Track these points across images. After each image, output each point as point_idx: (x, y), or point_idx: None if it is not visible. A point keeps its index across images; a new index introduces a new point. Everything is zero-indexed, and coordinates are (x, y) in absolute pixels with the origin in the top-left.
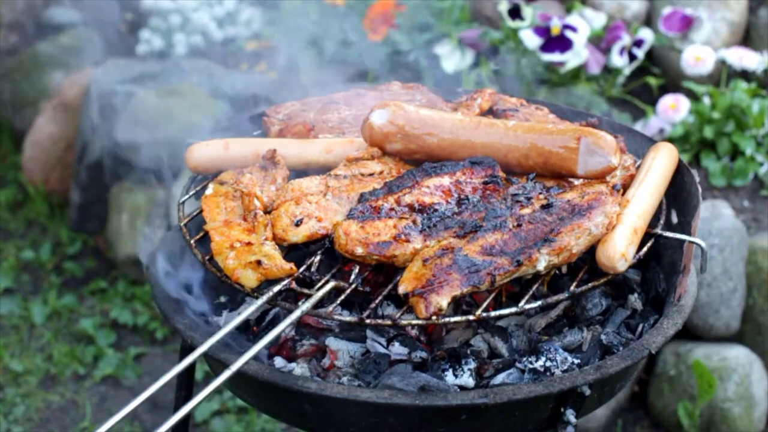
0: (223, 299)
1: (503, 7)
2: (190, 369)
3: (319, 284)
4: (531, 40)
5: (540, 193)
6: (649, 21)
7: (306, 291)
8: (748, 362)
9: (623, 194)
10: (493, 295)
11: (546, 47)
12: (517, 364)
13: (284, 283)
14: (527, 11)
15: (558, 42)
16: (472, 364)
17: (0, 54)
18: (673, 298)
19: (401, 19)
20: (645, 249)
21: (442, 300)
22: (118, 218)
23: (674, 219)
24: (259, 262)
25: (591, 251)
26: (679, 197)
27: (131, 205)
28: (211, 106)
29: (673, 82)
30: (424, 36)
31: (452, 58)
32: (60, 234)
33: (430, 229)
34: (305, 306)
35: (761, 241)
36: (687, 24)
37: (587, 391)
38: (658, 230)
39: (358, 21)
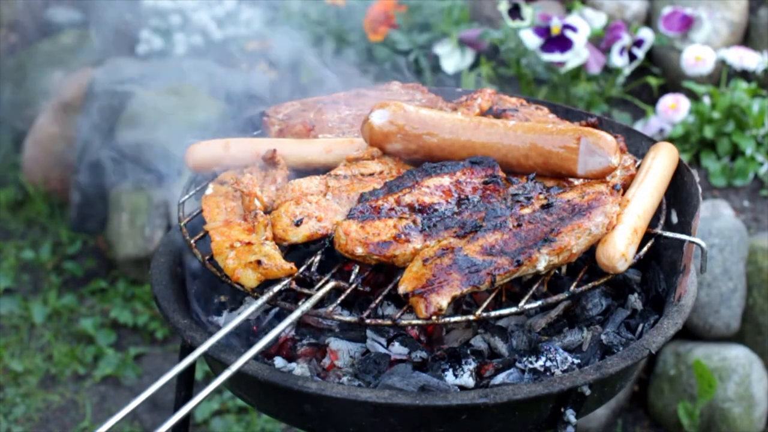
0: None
1: (503, 7)
2: (190, 369)
3: (319, 284)
4: (531, 40)
5: (540, 193)
6: (649, 21)
7: (306, 291)
8: (748, 362)
9: (623, 194)
10: (493, 295)
11: (546, 47)
12: (517, 364)
13: (284, 283)
14: (527, 11)
15: (558, 42)
16: (472, 364)
17: (0, 54)
18: (673, 298)
19: (401, 19)
20: (645, 249)
21: (442, 300)
22: (118, 218)
23: (674, 219)
24: (259, 262)
25: (591, 251)
26: (679, 197)
27: (131, 205)
28: (211, 106)
29: (673, 82)
30: (424, 36)
31: (452, 58)
32: (60, 234)
33: (430, 229)
34: (305, 306)
35: (761, 241)
36: (687, 24)
37: (587, 391)
38: (658, 230)
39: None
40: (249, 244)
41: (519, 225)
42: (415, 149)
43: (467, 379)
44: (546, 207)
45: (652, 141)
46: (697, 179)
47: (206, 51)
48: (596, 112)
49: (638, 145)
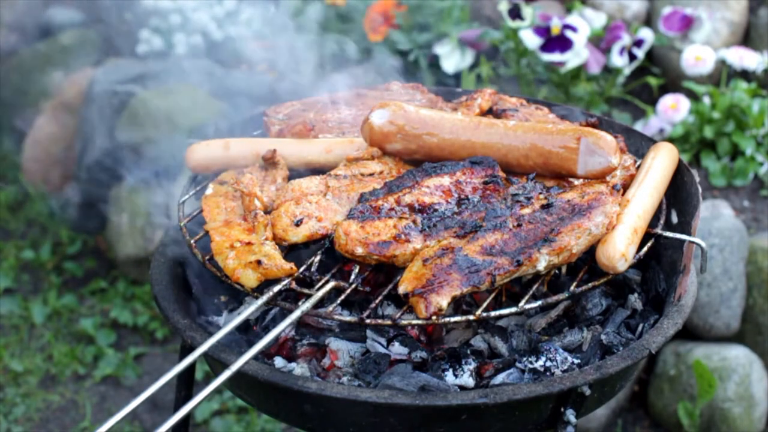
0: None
1: (503, 7)
2: (190, 369)
3: (319, 284)
4: (531, 40)
5: (540, 193)
6: (649, 21)
7: (306, 291)
8: (748, 362)
9: (623, 194)
10: (493, 295)
11: (546, 47)
12: (517, 364)
13: (284, 283)
14: (527, 11)
15: (558, 42)
16: (472, 364)
17: (0, 54)
18: (673, 298)
19: (401, 19)
20: (645, 249)
21: (442, 300)
22: (118, 218)
23: (674, 219)
24: (259, 262)
25: (591, 251)
26: (679, 197)
27: (131, 205)
28: (211, 106)
29: (673, 82)
30: (424, 36)
31: (452, 58)
32: (60, 234)
33: (430, 229)
34: (305, 306)
35: (761, 241)
36: (687, 24)
37: (587, 391)
38: (658, 230)
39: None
40: (249, 244)
41: (519, 225)
42: (415, 149)
43: (467, 379)
44: (546, 207)
45: (652, 141)
46: (697, 179)
47: (206, 51)
48: (596, 112)
49: (638, 145)
